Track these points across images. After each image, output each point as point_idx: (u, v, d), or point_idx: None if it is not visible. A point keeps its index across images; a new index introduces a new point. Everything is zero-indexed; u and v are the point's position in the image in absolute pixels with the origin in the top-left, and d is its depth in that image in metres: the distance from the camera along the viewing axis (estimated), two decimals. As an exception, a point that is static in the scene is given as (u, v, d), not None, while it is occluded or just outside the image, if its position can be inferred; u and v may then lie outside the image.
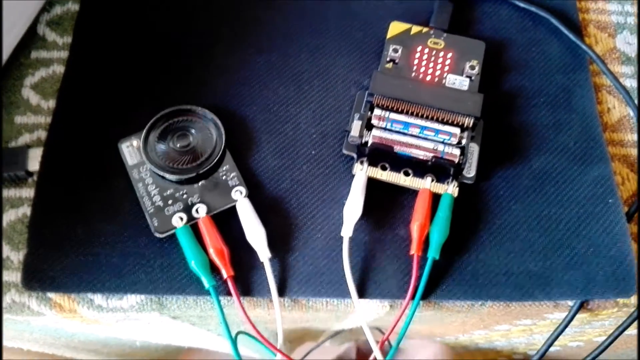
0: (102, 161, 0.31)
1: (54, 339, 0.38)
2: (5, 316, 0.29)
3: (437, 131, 0.31)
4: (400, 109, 0.31)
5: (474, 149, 0.32)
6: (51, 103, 0.33)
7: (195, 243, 0.29)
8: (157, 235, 0.29)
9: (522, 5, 0.36)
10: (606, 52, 0.36)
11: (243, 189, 0.30)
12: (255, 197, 0.31)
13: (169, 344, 0.44)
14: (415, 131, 0.31)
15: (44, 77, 0.34)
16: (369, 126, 0.31)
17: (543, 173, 0.32)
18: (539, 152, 0.32)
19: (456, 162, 0.30)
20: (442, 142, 0.31)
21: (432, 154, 0.30)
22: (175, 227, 0.29)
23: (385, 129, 0.31)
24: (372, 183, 0.31)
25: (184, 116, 0.32)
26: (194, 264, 0.28)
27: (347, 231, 0.29)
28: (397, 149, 0.30)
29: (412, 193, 0.31)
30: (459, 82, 0.33)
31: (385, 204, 0.31)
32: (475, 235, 0.30)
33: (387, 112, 0.31)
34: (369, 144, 0.30)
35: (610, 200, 0.31)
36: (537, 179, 0.32)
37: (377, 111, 0.31)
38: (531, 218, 0.31)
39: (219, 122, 0.31)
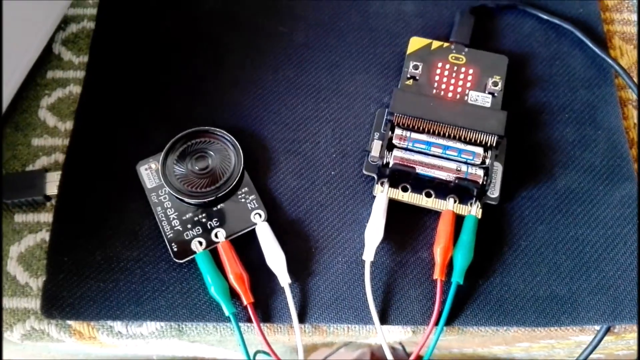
0: (121, 184, 0.31)
1: (71, 356, 0.38)
2: (24, 341, 0.29)
3: (460, 151, 0.30)
4: (421, 128, 0.31)
5: (498, 168, 0.31)
6: (68, 124, 0.33)
7: (215, 268, 0.28)
8: (177, 261, 0.29)
9: (545, 17, 0.35)
10: (632, 65, 0.35)
11: (262, 212, 0.30)
12: (275, 219, 0.30)
13: (186, 356, 0.44)
14: (438, 151, 0.30)
15: (60, 97, 0.33)
16: (389, 146, 0.31)
17: (569, 192, 0.31)
18: (564, 170, 0.32)
19: (480, 183, 0.29)
20: (465, 162, 0.30)
21: (455, 175, 0.30)
22: (194, 252, 0.29)
23: (406, 149, 0.30)
24: (393, 203, 0.30)
25: (201, 138, 0.31)
26: (214, 290, 0.28)
27: (368, 255, 0.29)
28: (419, 169, 0.30)
29: (435, 214, 0.31)
30: (482, 99, 0.32)
31: (407, 226, 0.30)
32: (500, 258, 0.30)
33: (409, 132, 0.31)
34: (390, 165, 0.30)
35: (638, 221, 0.30)
36: (563, 199, 0.31)
37: (398, 131, 0.31)
38: (557, 240, 0.30)
39: (237, 143, 0.31)
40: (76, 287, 0.29)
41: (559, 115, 0.33)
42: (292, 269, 0.29)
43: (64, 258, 0.29)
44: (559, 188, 0.31)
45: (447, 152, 0.30)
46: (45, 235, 0.30)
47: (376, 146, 0.31)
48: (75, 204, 0.30)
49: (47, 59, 0.34)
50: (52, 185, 0.31)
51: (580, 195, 0.31)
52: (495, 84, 0.32)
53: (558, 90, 0.34)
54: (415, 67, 0.33)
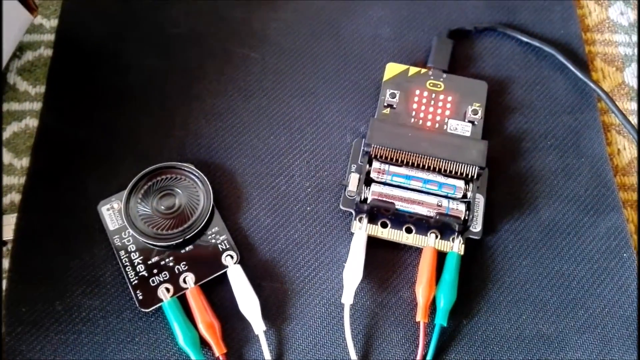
0: (82, 226, 0.29)
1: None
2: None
3: (440, 184, 0.29)
4: (400, 160, 0.29)
5: (480, 200, 0.30)
6: (25, 161, 0.31)
7: (184, 318, 0.27)
8: (143, 310, 0.27)
9: (525, 39, 0.34)
10: (614, 88, 0.34)
11: (234, 254, 0.28)
12: (248, 260, 0.29)
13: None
14: (418, 185, 0.29)
15: (15, 131, 0.31)
16: (367, 180, 0.29)
17: (553, 225, 0.30)
18: (547, 201, 0.30)
19: (462, 218, 0.28)
20: (446, 197, 0.29)
21: (436, 210, 0.28)
22: (161, 301, 0.27)
23: (385, 183, 0.29)
24: (372, 239, 0.29)
25: (167, 174, 0.29)
26: (183, 341, 0.26)
27: (347, 298, 0.27)
28: (399, 205, 0.28)
29: (416, 250, 0.29)
30: (461, 128, 0.31)
31: (387, 264, 0.29)
32: (484, 296, 0.29)
33: (387, 165, 0.29)
34: (368, 201, 0.28)
35: (624, 255, 0.29)
36: (547, 232, 0.30)
37: (375, 164, 0.29)
38: (542, 275, 0.29)
39: (205, 179, 0.29)
40: (35, 341, 0.27)
41: (541, 143, 0.32)
42: (266, 315, 0.27)
43: (22, 309, 0.27)
44: (543, 220, 0.30)
45: (427, 185, 0.29)
46: (1, 283, 0.28)
47: (353, 180, 0.30)
48: (33, 249, 0.28)
49: (1, 89, 0.32)
50: (7, 229, 0.28)
51: (564, 227, 0.30)
52: (475, 112, 0.31)
53: (539, 116, 0.33)
54: (392, 96, 0.31)
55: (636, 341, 0.27)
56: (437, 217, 0.28)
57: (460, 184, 0.29)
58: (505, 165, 0.31)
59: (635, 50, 0.35)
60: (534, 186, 0.31)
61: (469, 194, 0.29)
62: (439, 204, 0.28)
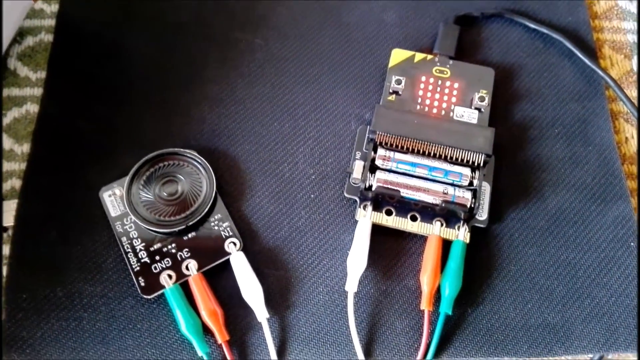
0: (83, 212, 0.28)
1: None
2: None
3: (446, 172, 0.28)
4: (405, 147, 0.29)
5: (486, 189, 0.29)
6: (25, 147, 0.30)
7: (186, 304, 0.26)
8: (145, 296, 0.27)
9: (532, 26, 0.34)
10: (622, 76, 0.34)
11: (237, 241, 0.28)
12: (251, 248, 0.28)
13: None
14: (423, 172, 0.29)
15: (16, 117, 0.31)
16: (372, 167, 0.29)
17: (560, 213, 0.30)
18: (554, 189, 0.30)
19: (468, 206, 0.28)
20: (452, 184, 0.28)
21: (441, 198, 0.28)
22: (164, 287, 0.27)
23: (390, 170, 0.29)
24: (376, 227, 0.29)
25: (170, 160, 0.29)
26: (185, 328, 0.26)
27: (351, 285, 0.27)
28: (404, 192, 0.28)
29: (421, 238, 0.29)
30: (468, 115, 0.31)
31: (391, 252, 0.29)
32: (489, 285, 0.28)
33: (392, 152, 0.29)
34: (373, 188, 0.28)
35: (632, 244, 0.29)
36: (554, 220, 0.29)
37: (380, 151, 0.29)
38: (548, 264, 0.28)
39: (208, 165, 0.29)
40: (36, 327, 0.26)
41: (549, 131, 0.32)
42: (269, 302, 0.27)
43: (23, 295, 0.27)
44: (550, 208, 0.30)
45: (433, 173, 0.28)
46: (2, 269, 0.28)
47: (358, 167, 0.29)
48: (34, 235, 0.28)
49: (1, 75, 0.32)
50: (8, 215, 0.28)
51: (571, 216, 0.29)
52: (481, 98, 0.31)
53: (547, 104, 0.32)
54: (398, 82, 0.31)
55: (643, 331, 0.27)
56: (443, 205, 0.28)
57: (467, 171, 0.28)
58: (512, 153, 0.31)
59: (644, 38, 0.35)
60: (540, 174, 0.31)
61: (475, 182, 0.28)
62: (445, 191, 0.28)
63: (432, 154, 0.29)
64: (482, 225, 0.29)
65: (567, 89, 0.32)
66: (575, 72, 0.33)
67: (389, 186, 0.28)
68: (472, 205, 0.28)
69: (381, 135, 0.29)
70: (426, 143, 0.29)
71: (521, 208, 0.30)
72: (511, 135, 0.31)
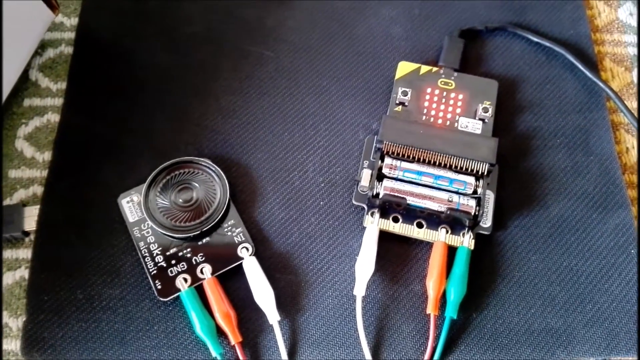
0: (102, 218, 0.30)
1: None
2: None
3: (451, 180, 0.29)
4: (411, 156, 0.30)
5: (490, 197, 0.30)
6: (47, 155, 0.32)
7: (201, 307, 0.27)
8: (161, 299, 0.28)
9: (535, 39, 0.35)
10: (623, 87, 0.35)
11: (249, 246, 0.29)
12: (262, 253, 0.29)
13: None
14: (429, 181, 0.30)
15: (38, 126, 0.32)
16: (379, 176, 0.30)
17: (562, 221, 0.30)
18: (557, 198, 0.31)
19: (472, 213, 0.29)
20: (457, 192, 0.29)
21: (446, 206, 0.29)
22: (179, 290, 0.28)
23: (397, 179, 0.30)
24: (383, 233, 0.30)
25: (185, 168, 0.30)
26: (200, 329, 0.27)
27: (359, 290, 0.28)
28: (410, 200, 0.29)
29: (427, 245, 0.30)
30: (472, 125, 0.32)
31: (398, 257, 0.30)
32: (493, 290, 0.29)
33: (399, 161, 0.30)
34: (380, 196, 0.29)
35: (632, 251, 0.30)
36: (556, 228, 0.30)
37: (387, 160, 0.30)
38: (551, 271, 0.29)
39: (222, 173, 0.30)
40: (57, 328, 0.28)
41: (551, 141, 0.32)
42: (281, 305, 0.28)
43: (44, 297, 0.28)
44: (552, 216, 0.31)
45: (438, 181, 0.29)
46: (24, 272, 0.29)
47: (366, 175, 0.31)
48: (55, 240, 0.29)
49: (23, 86, 0.33)
50: (30, 220, 0.29)
51: (573, 223, 0.30)
52: (485, 110, 0.32)
53: (549, 115, 0.33)
54: (404, 93, 0.32)
55: (643, 335, 0.28)
56: (448, 212, 0.29)
57: (471, 180, 0.29)
58: (515, 163, 0.32)
59: (645, 51, 0.36)
60: (543, 183, 0.31)
61: (479, 190, 0.29)
62: (450, 199, 0.29)
63: (437, 163, 0.30)
64: (486, 233, 0.30)
65: (569, 101, 0.33)
66: (576, 84, 0.34)
67: (396, 194, 0.29)
68: (476, 213, 0.29)
69: (388, 144, 0.30)
70: (432, 152, 0.30)
71: (524, 216, 0.31)
72: (514, 145, 0.32)
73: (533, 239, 0.30)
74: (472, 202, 0.29)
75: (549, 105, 0.33)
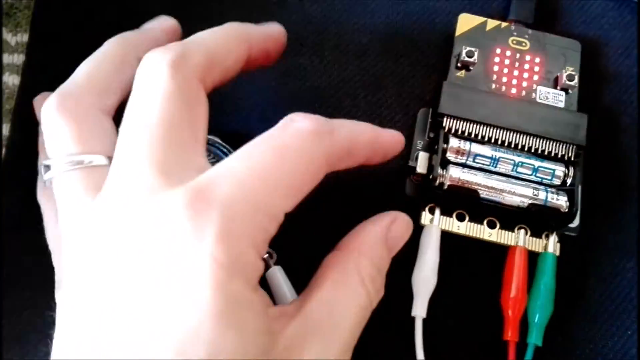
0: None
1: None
2: None
3: (535, 169, 0.23)
4: (479, 135, 0.23)
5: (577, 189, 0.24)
6: (4, 129, 0.24)
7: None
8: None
9: (620, -9, 0.28)
10: None
11: (272, 253, 0.22)
12: (288, 260, 0.23)
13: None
14: (506, 168, 0.23)
15: (-10, 90, 0.25)
16: (443, 162, 0.23)
17: (663, 219, 0.24)
18: (656, 189, 0.25)
19: (564, 211, 0.22)
20: (541, 183, 0.23)
21: (530, 201, 0.22)
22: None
23: (464, 165, 0.23)
24: (444, 235, 0.23)
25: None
26: None
27: (420, 309, 0.22)
28: (484, 193, 0.23)
29: (498, 249, 0.24)
30: (553, 97, 0.25)
31: (463, 265, 0.23)
32: (580, 306, 0.23)
33: (468, 143, 0.23)
34: (444, 187, 0.23)
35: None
36: (656, 227, 0.24)
37: (454, 142, 0.23)
38: (653, 282, 0.24)
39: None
40: None
41: (644, 118, 0.26)
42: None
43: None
44: (650, 213, 0.25)
45: (519, 169, 0.23)
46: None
47: (422, 160, 0.24)
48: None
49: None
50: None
51: (677, 222, 0.24)
52: (570, 77, 0.25)
53: (640, 86, 0.27)
54: (470, 54, 0.25)
55: None
56: (532, 210, 0.22)
57: (560, 168, 0.23)
58: (602, 145, 0.26)
59: None
60: (636, 171, 0.25)
61: (569, 180, 0.23)
62: (536, 194, 0.23)
63: (512, 145, 0.24)
64: (573, 234, 0.24)
65: (664, 68, 0.27)
66: (672, 48, 0.28)
67: (466, 186, 0.23)
68: (568, 211, 0.22)
69: (450, 120, 0.24)
70: (505, 131, 0.23)
71: (616, 211, 0.25)
72: (599, 124, 0.26)
73: (628, 241, 0.24)
74: (563, 198, 0.23)
75: (637, 74, 0.27)
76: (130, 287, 0.15)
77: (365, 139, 0.19)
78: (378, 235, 0.19)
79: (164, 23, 0.22)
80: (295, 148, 0.17)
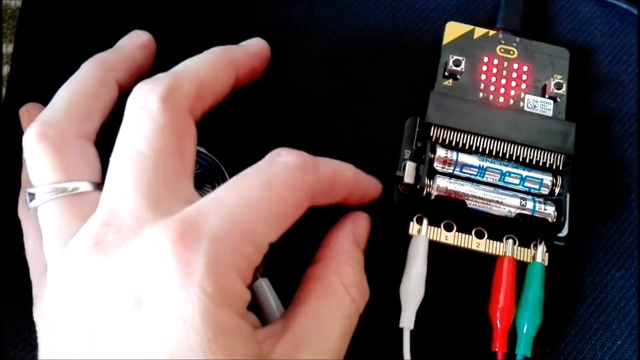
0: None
1: None
2: None
3: (522, 178, 0.23)
4: (466, 144, 0.23)
5: (565, 198, 0.24)
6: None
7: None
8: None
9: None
10: None
11: (259, 266, 0.22)
12: (276, 271, 0.22)
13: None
14: (494, 178, 0.23)
15: (-26, 102, 0.24)
16: (430, 171, 0.23)
17: (652, 228, 0.24)
18: (644, 198, 0.25)
19: (552, 221, 0.22)
20: (528, 193, 0.23)
21: (518, 211, 0.22)
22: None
23: (451, 175, 0.23)
24: (432, 245, 0.23)
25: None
26: None
27: (407, 320, 0.22)
28: (472, 203, 0.22)
29: (486, 259, 0.23)
30: (541, 105, 0.25)
31: (451, 275, 0.23)
32: (570, 317, 0.23)
33: (455, 153, 0.23)
34: (431, 196, 0.22)
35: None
36: (646, 236, 0.24)
37: (441, 151, 0.23)
38: (642, 291, 0.23)
39: (220, 165, 0.23)
40: None
41: (632, 126, 0.26)
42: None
43: None
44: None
45: (507, 179, 0.23)
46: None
47: (409, 170, 0.24)
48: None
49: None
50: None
51: (667, 231, 0.24)
52: (558, 85, 0.25)
53: (629, 94, 0.27)
54: (457, 63, 0.25)
55: None
56: (520, 220, 0.22)
57: (548, 178, 0.23)
58: (589, 154, 0.26)
59: None
60: (625, 179, 0.25)
61: (557, 190, 0.23)
62: (523, 204, 0.22)
63: (500, 154, 0.23)
64: (561, 243, 0.23)
65: (653, 76, 0.27)
66: (660, 55, 0.27)
67: (453, 196, 0.22)
68: (556, 220, 0.22)
69: (437, 129, 0.23)
70: (493, 140, 0.23)
71: (605, 221, 0.25)
72: (588, 132, 0.26)
73: (617, 250, 0.24)
74: (550, 207, 0.22)
75: (627, 81, 0.27)
76: (119, 319, 0.15)
77: (347, 178, 0.20)
78: (350, 239, 0.20)
79: (138, 39, 0.22)
80: (282, 180, 0.17)
